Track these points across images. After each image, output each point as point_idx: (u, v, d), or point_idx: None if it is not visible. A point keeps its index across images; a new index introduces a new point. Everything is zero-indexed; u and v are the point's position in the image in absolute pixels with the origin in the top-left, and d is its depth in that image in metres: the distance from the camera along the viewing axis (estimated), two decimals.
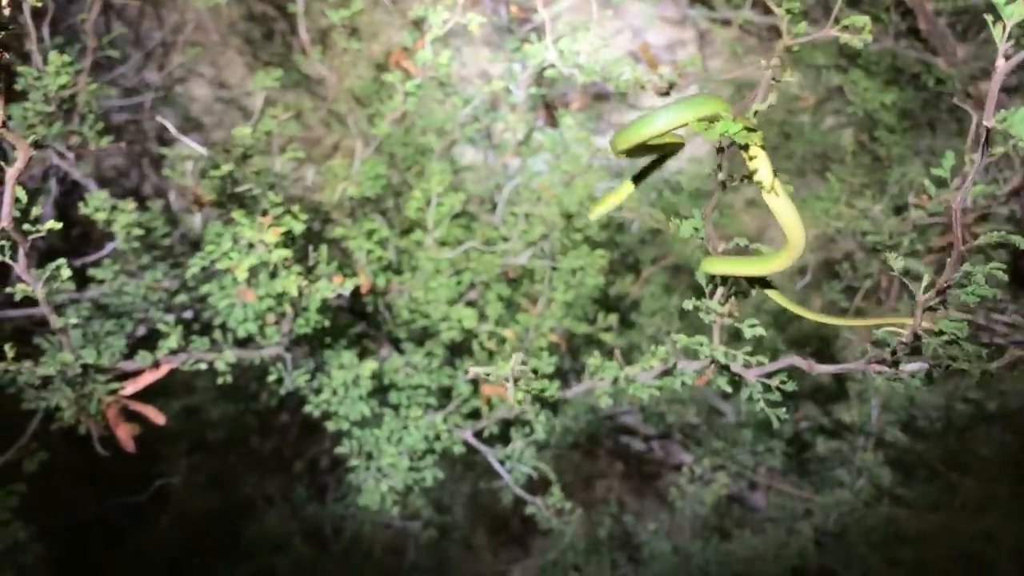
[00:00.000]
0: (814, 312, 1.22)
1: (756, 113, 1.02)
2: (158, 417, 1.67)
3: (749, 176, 0.96)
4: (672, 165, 3.22)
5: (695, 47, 3.89)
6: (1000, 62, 0.81)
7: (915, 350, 1.05)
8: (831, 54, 3.78)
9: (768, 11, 4.18)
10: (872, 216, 2.48)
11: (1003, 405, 2.92)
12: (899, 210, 2.62)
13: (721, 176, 1.02)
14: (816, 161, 3.66)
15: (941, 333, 0.97)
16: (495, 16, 3.61)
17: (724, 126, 0.87)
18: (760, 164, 0.94)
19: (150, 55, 3.79)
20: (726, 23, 3.49)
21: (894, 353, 1.04)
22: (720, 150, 0.98)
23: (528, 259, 2.44)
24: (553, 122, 3.53)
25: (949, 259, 0.88)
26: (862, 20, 1.50)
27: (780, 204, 0.94)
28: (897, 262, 0.98)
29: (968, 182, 0.84)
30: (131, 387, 1.69)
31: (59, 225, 1.31)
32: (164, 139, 3.85)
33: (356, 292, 2.41)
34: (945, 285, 0.92)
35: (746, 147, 0.93)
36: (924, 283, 0.95)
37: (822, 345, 3.38)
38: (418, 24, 2.43)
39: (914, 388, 1.12)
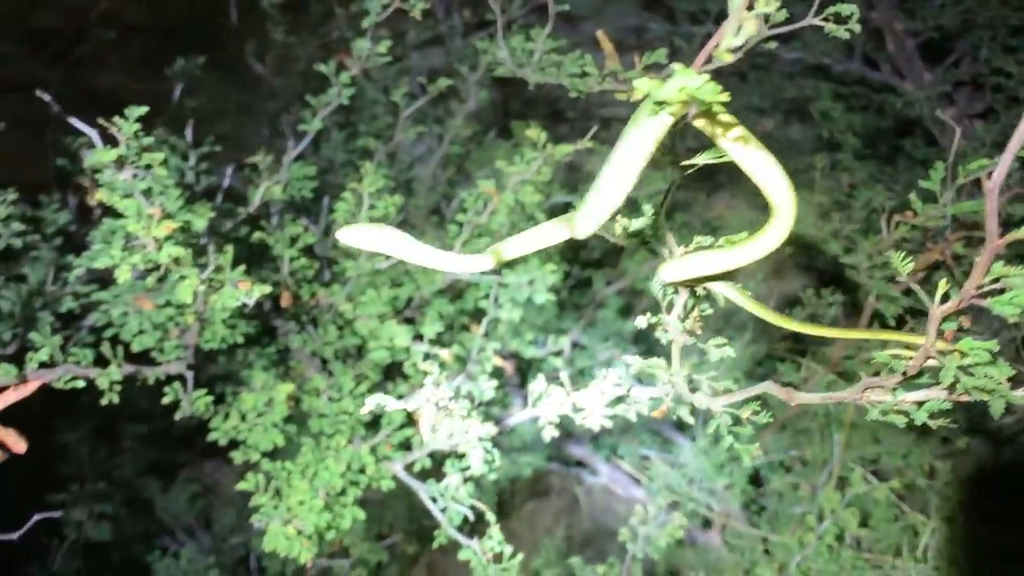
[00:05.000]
0: (798, 321, 1.01)
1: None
2: (18, 445, 1.39)
3: (714, 143, 0.73)
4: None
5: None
6: None
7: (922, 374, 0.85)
8: (788, 75, 3.65)
9: None
10: (843, 238, 2.32)
11: (969, 444, 2.78)
12: (866, 233, 2.47)
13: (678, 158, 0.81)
14: None
15: (962, 355, 0.76)
16: (448, 20, 3.42)
17: (682, 74, 0.64)
18: (728, 120, 0.71)
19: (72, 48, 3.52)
20: (688, 37, 3.34)
21: (905, 376, 0.83)
22: (676, 122, 0.76)
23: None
24: (508, 133, 3.34)
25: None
26: (849, 8, 1.31)
27: (759, 160, 0.70)
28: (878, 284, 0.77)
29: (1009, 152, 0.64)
30: None
31: None
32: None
33: (278, 305, 2.16)
34: (973, 293, 0.71)
35: (708, 112, 0.71)
36: (939, 291, 0.75)
37: (768, 375, 3.20)
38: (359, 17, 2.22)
39: (918, 423, 0.92)
